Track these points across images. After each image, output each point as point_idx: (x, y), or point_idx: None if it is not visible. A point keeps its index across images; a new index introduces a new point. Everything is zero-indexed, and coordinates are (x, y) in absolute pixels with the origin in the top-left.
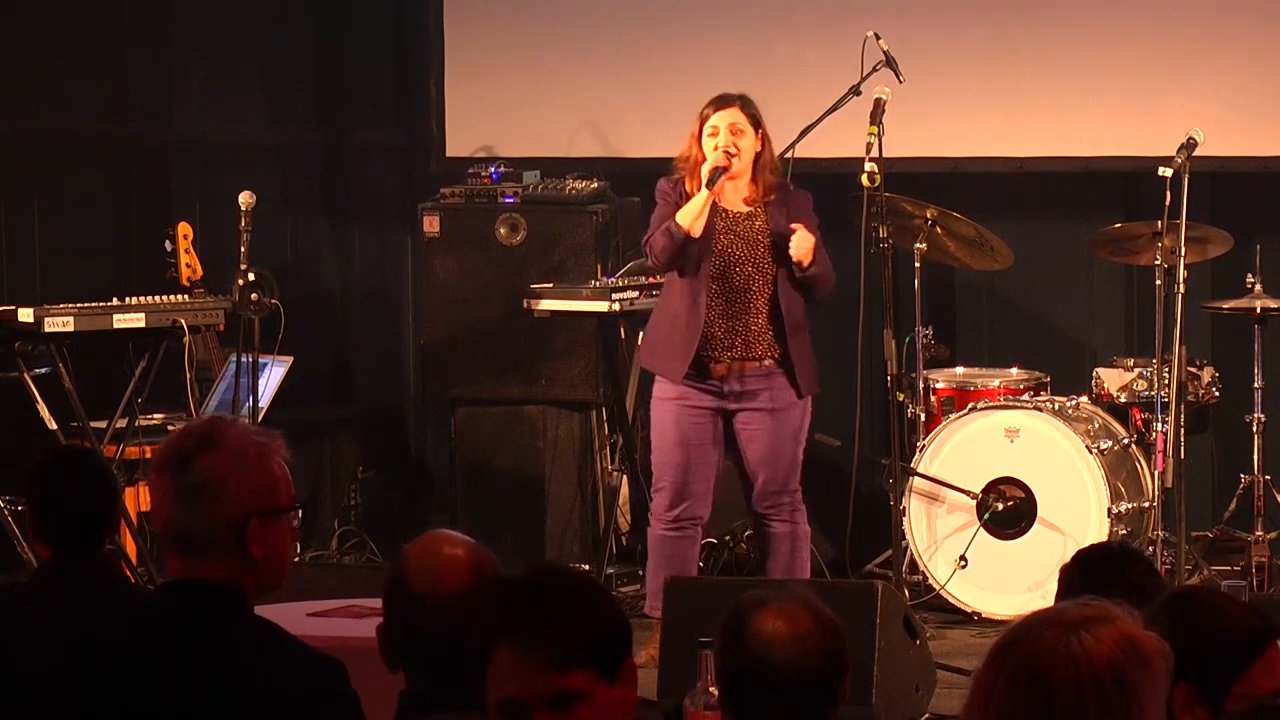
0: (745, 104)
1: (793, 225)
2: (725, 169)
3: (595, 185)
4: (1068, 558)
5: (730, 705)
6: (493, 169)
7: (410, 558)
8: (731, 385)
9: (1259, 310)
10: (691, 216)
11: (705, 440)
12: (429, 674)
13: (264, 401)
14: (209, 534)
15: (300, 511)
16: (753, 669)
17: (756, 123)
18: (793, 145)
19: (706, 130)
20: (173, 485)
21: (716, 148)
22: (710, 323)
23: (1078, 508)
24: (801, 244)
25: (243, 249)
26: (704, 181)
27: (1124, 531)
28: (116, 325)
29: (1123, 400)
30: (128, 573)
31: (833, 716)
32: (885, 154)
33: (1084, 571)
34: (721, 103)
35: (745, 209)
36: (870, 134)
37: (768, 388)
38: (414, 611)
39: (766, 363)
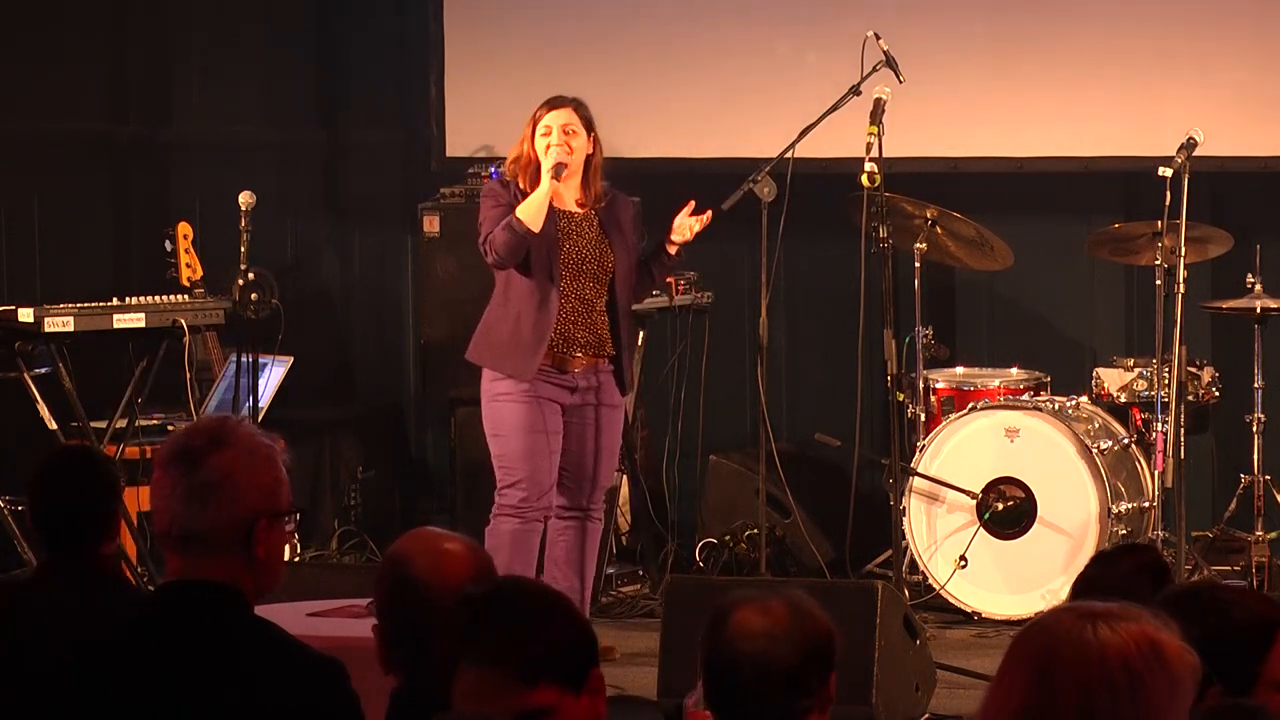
0: (579, 106)
1: (680, 222)
2: (565, 165)
3: None
4: (1067, 558)
5: (708, 697)
6: (493, 169)
7: (412, 556)
8: (579, 381)
9: (1259, 310)
10: (533, 211)
11: (556, 433)
12: (431, 672)
13: (264, 401)
14: (215, 533)
15: (299, 516)
16: (722, 660)
17: (589, 125)
18: (793, 145)
19: (539, 130)
20: (181, 483)
21: (549, 147)
22: (564, 321)
23: (1078, 508)
24: (688, 226)
25: (243, 249)
26: (550, 175)
27: (1124, 531)
28: (116, 325)
29: (1123, 400)
30: (127, 573)
31: (803, 712)
32: (885, 154)
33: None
34: (555, 103)
35: (580, 211)
36: (870, 134)
37: (607, 384)
38: (424, 610)
39: (604, 361)
